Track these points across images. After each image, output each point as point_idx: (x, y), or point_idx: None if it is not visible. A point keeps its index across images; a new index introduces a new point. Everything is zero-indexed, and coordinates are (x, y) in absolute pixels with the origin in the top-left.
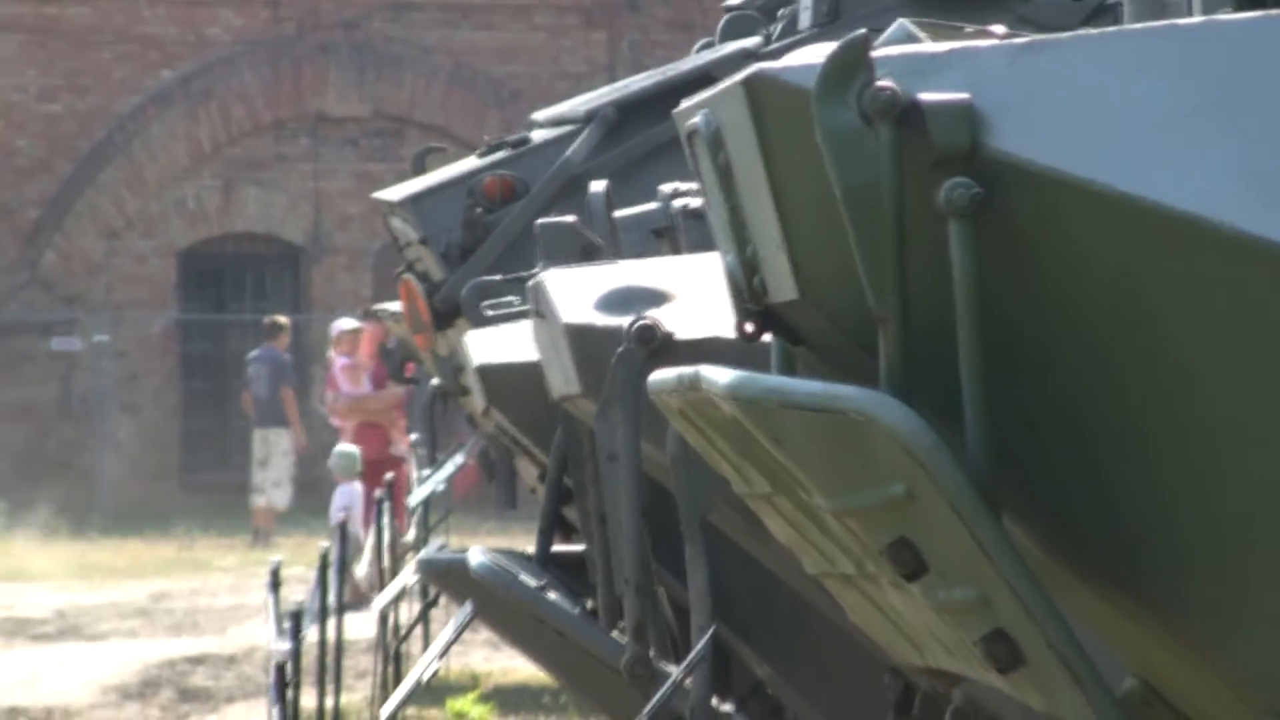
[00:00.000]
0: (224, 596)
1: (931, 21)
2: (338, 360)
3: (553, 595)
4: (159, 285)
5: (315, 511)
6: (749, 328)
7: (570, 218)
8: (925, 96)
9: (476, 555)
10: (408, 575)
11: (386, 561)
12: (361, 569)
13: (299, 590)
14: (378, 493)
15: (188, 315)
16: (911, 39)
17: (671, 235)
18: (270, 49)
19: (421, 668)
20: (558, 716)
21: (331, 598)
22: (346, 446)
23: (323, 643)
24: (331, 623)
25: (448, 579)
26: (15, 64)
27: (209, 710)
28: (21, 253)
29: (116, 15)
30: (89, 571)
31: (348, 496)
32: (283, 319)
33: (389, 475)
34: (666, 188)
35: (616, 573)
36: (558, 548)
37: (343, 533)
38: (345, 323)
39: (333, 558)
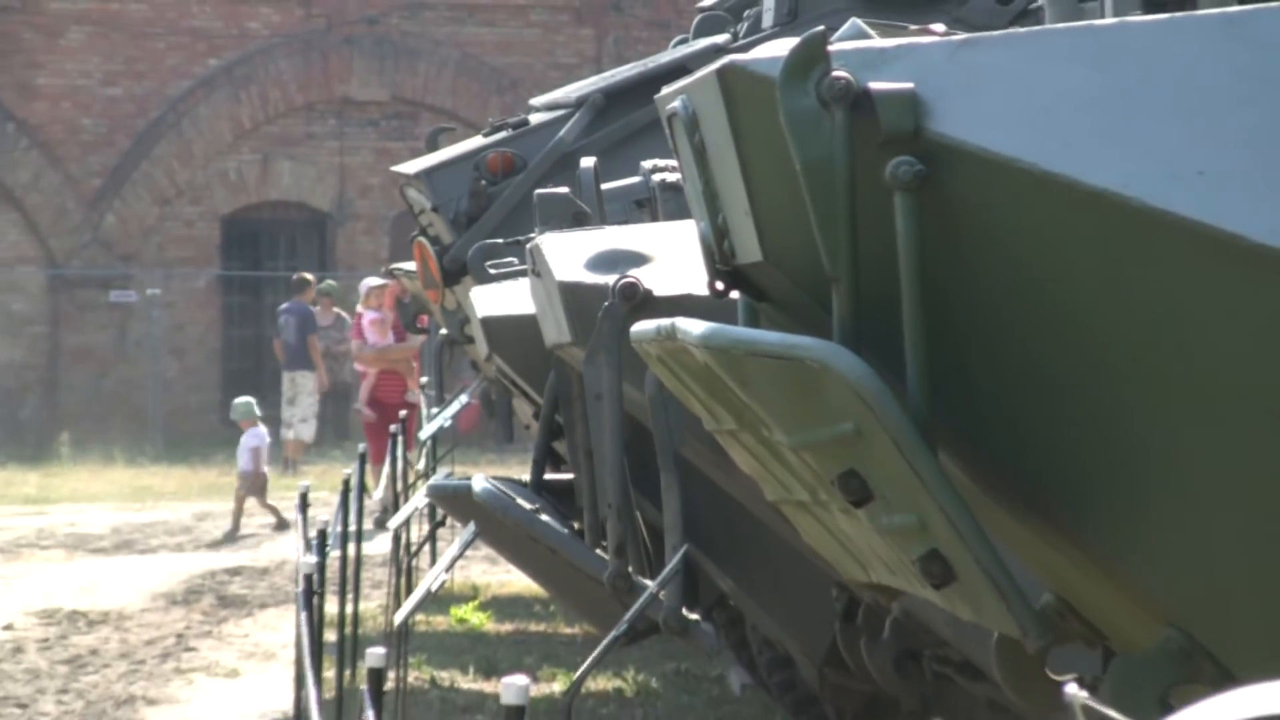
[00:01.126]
0: (258, 516)
1: (880, 21)
2: (366, 314)
3: (545, 517)
4: (204, 246)
5: (336, 443)
6: (719, 286)
7: (563, 189)
8: (875, 85)
9: (478, 482)
10: (418, 499)
11: (400, 487)
12: (378, 493)
13: (324, 511)
14: (392, 427)
15: (228, 272)
16: (863, 35)
17: (651, 205)
18: (302, 41)
19: (430, 580)
20: (547, 624)
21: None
22: (244, 397)
23: (344, 557)
24: (351, 541)
25: (453, 503)
26: (82, 53)
27: (244, 615)
28: (85, 216)
29: (169, 10)
30: (141, 494)
31: (256, 438)
32: (309, 276)
33: (402, 413)
34: (647, 164)
35: (601, 498)
36: (549, 476)
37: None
38: (374, 280)
39: (353, 484)
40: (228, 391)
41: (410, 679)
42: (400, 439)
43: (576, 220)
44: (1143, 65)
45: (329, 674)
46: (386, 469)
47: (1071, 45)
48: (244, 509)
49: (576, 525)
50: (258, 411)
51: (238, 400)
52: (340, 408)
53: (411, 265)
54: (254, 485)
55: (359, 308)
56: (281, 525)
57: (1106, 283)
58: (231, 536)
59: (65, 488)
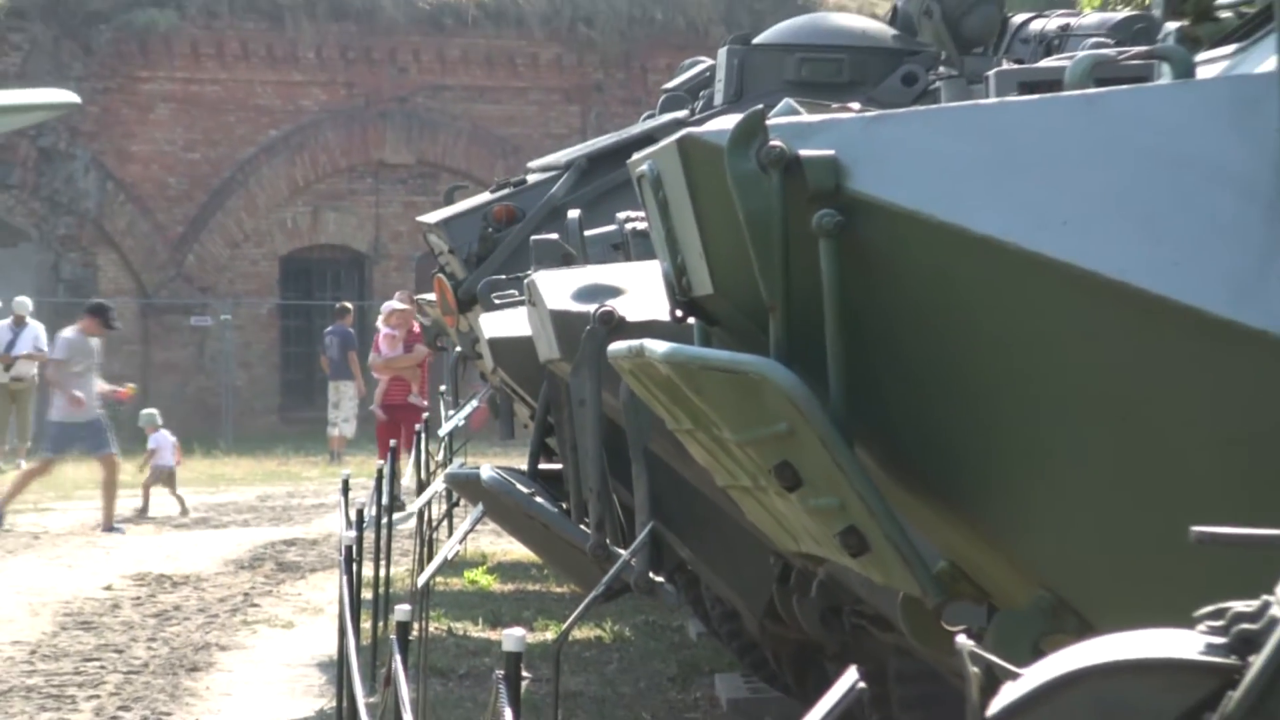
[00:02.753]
0: (309, 499)
1: (808, 100)
2: (383, 330)
3: (539, 499)
4: (266, 280)
5: (373, 439)
6: (679, 314)
7: (554, 236)
8: (804, 152)
9: (486, 471)
10: (438, 484)
11: (423, 475)
12: (405, 479)
13: (362, 494)
14: (416, 426)
15: (285, 301)
16: (794, 111)
17: (625, 248)
18: (345, 115)
19: (447, 549)
20: (542, 584)
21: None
22: (149, 410)
23: (378, 531)
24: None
25: (466, 487)
26: (167, 124)
27: (298, 578)
28: (170, 256)
29: (238, 91)
30: (215, 480)
31: (159, 439)
32: (349, 304)
33: (426, 415)
34: (622, 215)
35: (584, 484)
36: (543, 466)
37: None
38: (393, 304)
39: (384, 474)
40: (285, 398)
41: (431, 630)
42: (421, 437)
43: (565, 260)
44: (1019, 136)
45: (366, 625)
46: (411, 458)
47: (961, 120)
48: (149, 494)
49: (564, 505)
50: (159, 420)
51: (144, 411)
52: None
53: (433, 296)
54: (162, 475)
55: (379, 324)
56: (184, 512)
57: (989, 311)
58: (143, 513)
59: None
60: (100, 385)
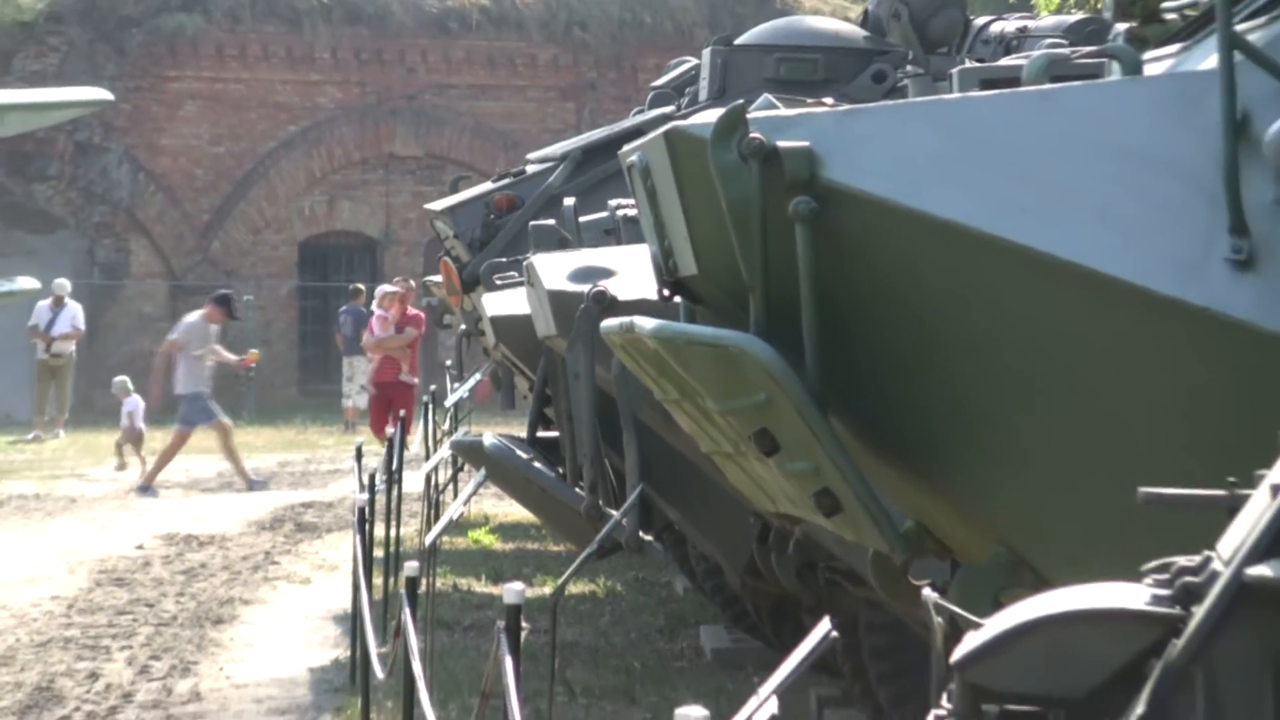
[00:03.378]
0: (325, 465)
1: (785, 96)
2: (377, 312)
3: (537, 464)
4: (286, 264)
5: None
6: (666, 293)
7: (551, 222)
8: (781, 144)
9: (488, 438)
10: (444, 451)
11: (430, 442)
12: (414, 446)
13: (374, 460)
14: (426, 398)
15: (303, 283)
16: (772, 106)
17: (616, 233)
18: (359, 112)
19: (452, 511)
20: (539, 543)
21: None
22: (121, 376)
23: (388, 494)
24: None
25: (470, 453)
26: (195, 120)
27: (315, 538)
28: (197, 242)
29: (259, 89)
30: (240, 447)
31: (132, 404)
32: (362, 286)
33: (433, 387)
34: (613, 202)
35: (579, 451)
36: (541, 434)
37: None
38: (386, 287)
39: (397, 441)
40: (303, 372)
41: (437, 585)
42: (428, 408)
43: (561, 244)
44: (980, 129)
45: (378, 581)
46: (419, 428)
47: (927, 114)
48: (124, 452)
49: (561, 470)
50: (130, 387)
51: (116, 379)
52: None
53: (439, 278)
54: (132, 437)
55: (373, 307)
56: (148, 487)
57: (952, 290)
58: (120, 467)
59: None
60: (226, 355)
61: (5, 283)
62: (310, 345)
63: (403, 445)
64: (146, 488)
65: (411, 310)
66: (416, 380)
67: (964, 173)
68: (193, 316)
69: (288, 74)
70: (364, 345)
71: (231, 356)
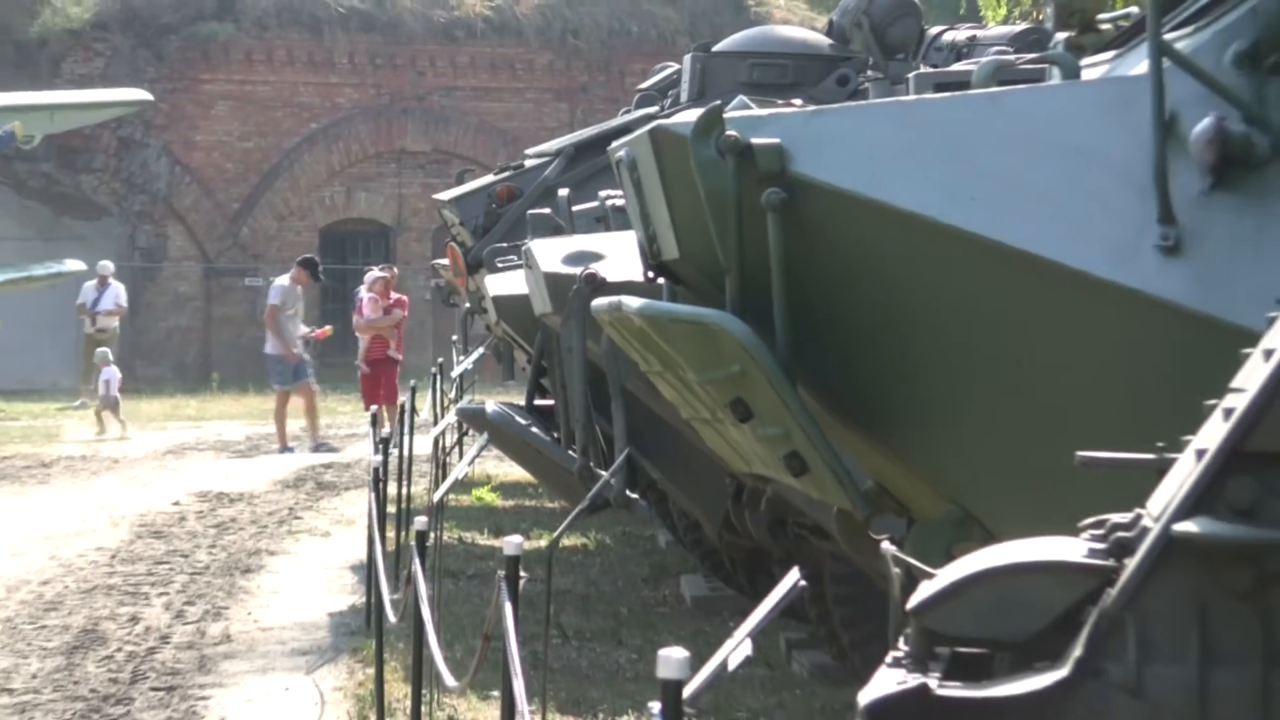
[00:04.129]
0: (344, 429)
1: (758, 98)
2: (366, 296)
3: (534, 430)
4: (308, 248)
5: (398, 382)
6: (650, 275)
7: (546, 210)
8: (755, 140)
9: (490, 405)
10: (451, 417)
11: (438, 409)
12: (423, 413)
13: (386, 425)
14: (434, 369)
15: (324, 265)
16: (746, 107)
17: (606, 221)
18: (374, 110)
19: (458, 471)
20: (536, 500)
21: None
22: (102, 348)
23: (400, 456)
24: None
25: (474, 419)
26: (226, 119)
27: (334, 495)
28: (228, 228)
29: (284, 90)
30: (264, 414)
31: (109, 373)
32: (376, 270)
33: (440, 360)
34: (603, 193)
35: (572, 417)
36: (538, 402)
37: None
38: (375, 273)
39: (407, 408)
40: (323, 345)
41: (444, 538)
42: (436, 379)
43: (555, 231)
44: (934, 128)
45: (391, 534)
46: (429, 397)
47: (886, 114)
48: (103, 418)
49: (555, 435)
50: (110, 358)
51: (98, 350)
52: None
53: (446, 261)
54: (109, 403)
55: (362, 291)
56: (123, 437)
57: (910, 274)
58: (100, 435)
59: (215, 410)
60: (301, 327)
61: (55, 265)
62: (329, 322)
63: (407, 414)
64: (319, 446)
65: (395, 294)
66: (401, 357)
67: (920, 167)
68: (282, 280)
69: (309, 77)
70: (355, 327)
71: (305, 329)
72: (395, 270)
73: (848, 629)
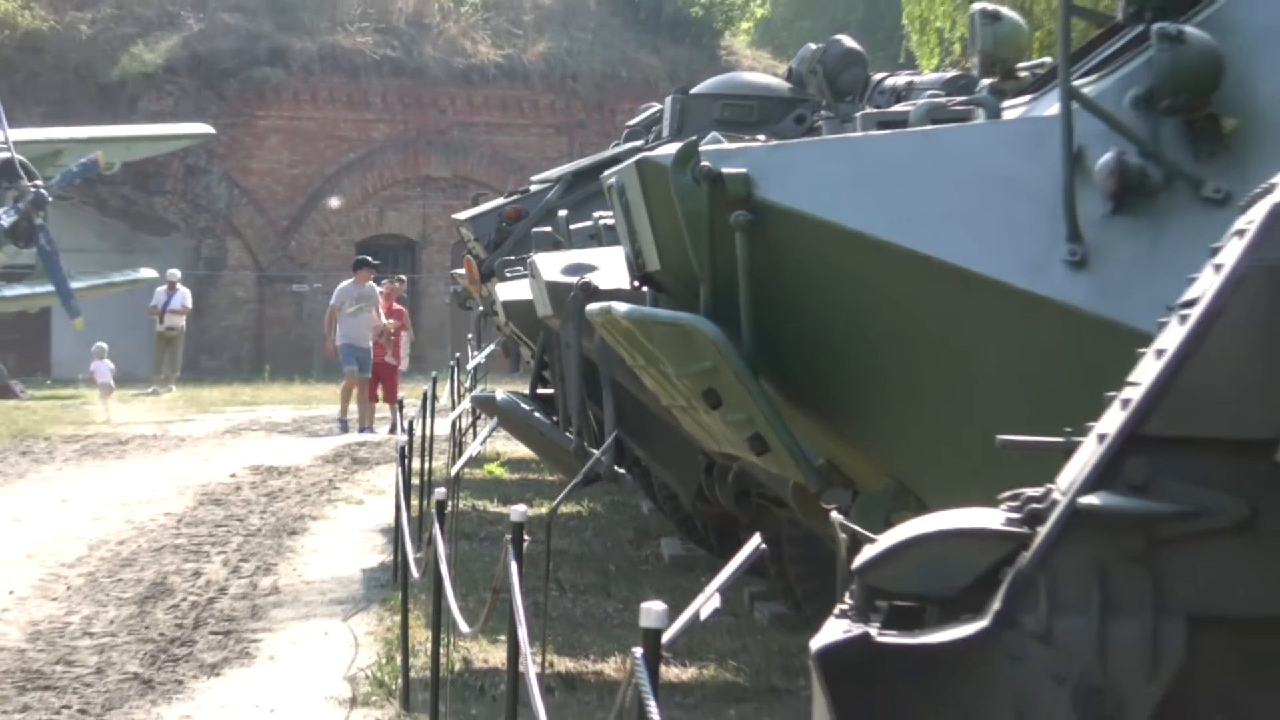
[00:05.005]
0: (376, 413)
1: (728, 134)
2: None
3: (537, 414)
4: (346, 259)
5: (421, 373)
6: (636, 284)
7: (548, 229)
8: (725, 169)
9: (499, 394)
10: (466, 403)
11: (455, 396)
12: (443, 399)
13: (412, 410)
14: (451, 362)
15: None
16: (719, 141)
17: (599, 238)
18: (402, 143)
19: (472, 449)
20: (538, 474)
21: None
22: (100, 343)
23: (423, 435)
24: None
25: (485, 405)
26: (277, 149)
27: (367, 469)
28: (278, 242)
29: (327, 125)
30: (308, 400)
31: (98, 366)
32: (404, 277)
33: (458, 354)
34: (597, 214)
35: (569, 403)
36: (540, 391)
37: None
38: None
39: (429, 396)
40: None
41: (460, 506)
42: (454, 370)
43: (555, 246)
44: (877, 159)
45: (415, 503)
46: (448, 386)
47: (837, 148)
48: (107, 405)
49: (555, 419)
50: (106, 352)
51: (96, 344)
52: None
53: (463, 271)
54: (106, 392)
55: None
56: (107, 420)
57: (857, 283)
58: (110, 421)
59: (266, 396)
60: (379, 317)
61: (131, 273)
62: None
63: (429, 400)
64: (364, 427)
65: (396, 305)
66: (399, 364)
67: (866, 193)
68: (345, 282)
69: (348, 114)
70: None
71: (382, 319)
72: (398, 284)
73: (802, 584)
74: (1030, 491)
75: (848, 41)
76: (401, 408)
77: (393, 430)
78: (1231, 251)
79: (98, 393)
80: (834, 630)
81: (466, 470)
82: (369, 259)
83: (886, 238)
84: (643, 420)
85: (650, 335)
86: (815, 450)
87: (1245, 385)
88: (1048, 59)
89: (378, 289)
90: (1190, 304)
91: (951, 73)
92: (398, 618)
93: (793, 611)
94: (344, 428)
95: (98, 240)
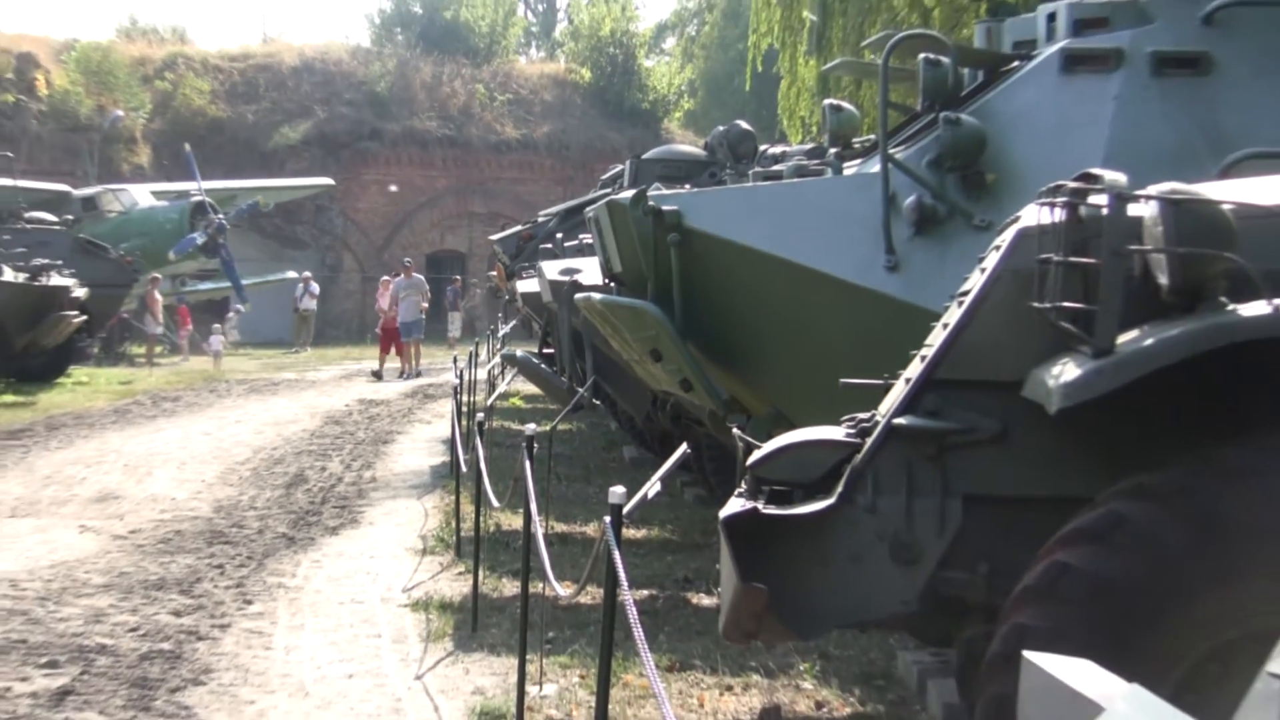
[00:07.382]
0: (439, 366)
1: (667, 185)
2: (382, 291)
3: (543, 366)
4: (419, 265)
5: (469, 340)
6: (606, 281)
7: (549, 245)
8: (664, 207)
9: (519, 352)
10: (497, 359)
11: (491, 354)
12: (483, 356)
13: (463, 362)
14: (488, 332)
15: (429, 276)
16: (660, 189)
17: (583, 252)
18: (455, 190)
19: (501, 388)
20: (544, 405)
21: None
22: (219, 324)
23: (470, 379)
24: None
25: (510, 360)
26: (375, 194)
27: (434, 402)
28: (376, 256)
29: (406, 178)
30: (395, 359)
31: (215, 340)
32: (458, 277)
33: (491, 326)
34: (582, 236)
35: (564, 358)
36: (546, 351)
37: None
38: (385, 278)
39: (473, 354)
40: (430, 320)
41: (493, 425)
42: (487, 339)
43: (555, 257)
44: (764, 200)
45: (463, 423)
46: (485, 349)
47: (737, 194)
48: (219, 364)
49: (555, 368)
50: (222, 330)
51: (215, 325)
52: (466, 327)
53: (495, 273)
54: (217, 359)
55: (380, 291)
56: (414, 373)
57: (752, 281)
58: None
59: (368, 355)
60: (421, 304)
61: (279, 274)
62: (433, 306)
63: (475, 355)
64: (411, 374)
65: (415, 275)
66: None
67: (755, 222)
68: (398, 278)
69: (421, 171)
70: (377, 309)
71: (426, 300)
72: (493, 278)
73: (714, 476)
74: (862, 415)
75: (744, 124)
76: (471, 356)
77: (402, 375)
78: (991, 260)
79: (211, 358)
80: (734, 505)
81: (498, 402)
82: (407, 260)
83: (769, 250)
84: (611, 369)
85: (615, 314)
86: (723, 389)
87: (1001, 347)
88: (873, 135)
89: (420, 277)
90: (965, 294)
91: (810, 145)
92: (452, 497)
93: (708, 494)
94: (406, 375)
95: (258, 253)
